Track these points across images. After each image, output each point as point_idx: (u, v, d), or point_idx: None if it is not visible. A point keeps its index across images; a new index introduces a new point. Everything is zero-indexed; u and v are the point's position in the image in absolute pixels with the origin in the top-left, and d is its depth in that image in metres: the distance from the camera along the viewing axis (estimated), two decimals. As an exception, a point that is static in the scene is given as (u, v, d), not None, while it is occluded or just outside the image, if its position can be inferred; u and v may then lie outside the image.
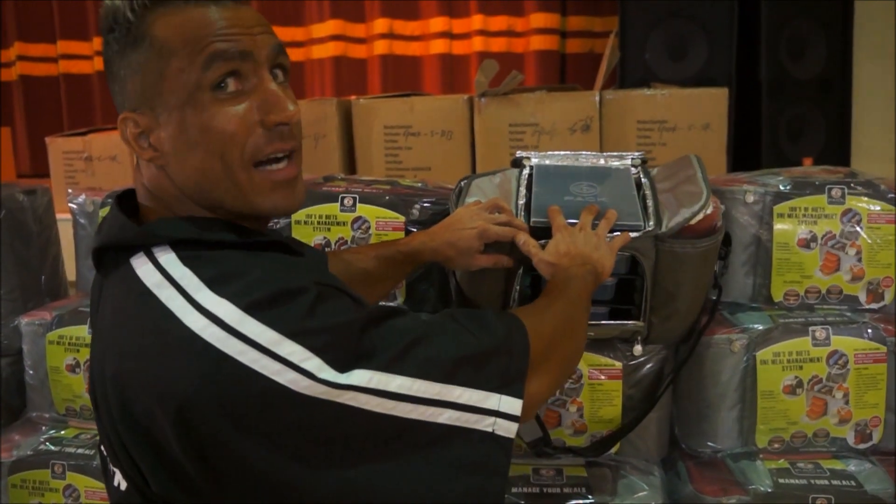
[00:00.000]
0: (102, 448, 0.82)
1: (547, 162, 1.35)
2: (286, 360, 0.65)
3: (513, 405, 0.72)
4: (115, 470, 0.77)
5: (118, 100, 0.78)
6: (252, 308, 0.67)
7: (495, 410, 0.71)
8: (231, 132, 0.74)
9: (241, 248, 0.75)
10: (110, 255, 0.78)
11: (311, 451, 0.67)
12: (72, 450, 1.46)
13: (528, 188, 1.26)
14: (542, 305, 0.91)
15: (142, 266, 0.73)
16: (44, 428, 1.54)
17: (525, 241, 1.09)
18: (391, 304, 1.39)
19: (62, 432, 1.52)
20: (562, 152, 1.36)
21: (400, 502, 0.69)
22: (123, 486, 0.76)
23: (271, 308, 0.67)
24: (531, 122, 2.22)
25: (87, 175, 2.63)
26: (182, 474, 0.68)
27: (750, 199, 1.38)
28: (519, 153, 1.36)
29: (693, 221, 1.16)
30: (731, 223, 1.39)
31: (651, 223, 1.17)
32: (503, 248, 1.14)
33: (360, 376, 0.66)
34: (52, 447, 1.47)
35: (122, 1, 0.74)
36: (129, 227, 0.76)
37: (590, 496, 1.24)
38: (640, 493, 1.25)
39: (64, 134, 2.77)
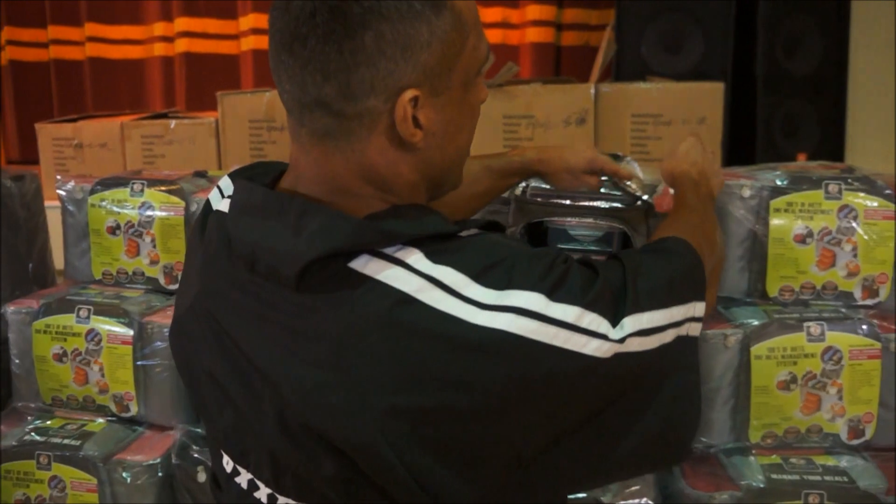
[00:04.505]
0: (229, 463, 0.78)
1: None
2: (588, 331, 0.68)
3: (701, 309, 0.79)
4: (261, 484, 0.74)
5: (388, 67, 0.66)
6: (551, 291, 0.67)
7: (692, 317, 0.77)
8: (479, 111, 0.76)
9: (467, 236, 0.71)
10: (317, 264, 0.67)
11: (605, 409, 0.70)
12: (58, 440, 1.45)
13: None
14: (694, 223, 0.95)
15: (382, 271, 0.66)
16: (29, 418, 1.53)
17: (632, 172, 1.24)
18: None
19: (48, 422, 1.51)
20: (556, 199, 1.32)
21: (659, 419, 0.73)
22: (281, 502, 0.73)
23: (563, 286, 0.68)
24: (526, 114, 2.20)
25: (77, 162, 2.60)
26: (476, 470, 0.67)
27: (746, 193, 1.37)
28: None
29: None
30: (726, 217, 1.38)
31: (643, 198, 1.28)
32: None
33: (627, 323, 0.70)
34: (38, 437, 1.45)
35: None
36: (366, 227, 0.67)
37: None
38: (633, 488, 1.24)
39: (54, 120, 2.74)
